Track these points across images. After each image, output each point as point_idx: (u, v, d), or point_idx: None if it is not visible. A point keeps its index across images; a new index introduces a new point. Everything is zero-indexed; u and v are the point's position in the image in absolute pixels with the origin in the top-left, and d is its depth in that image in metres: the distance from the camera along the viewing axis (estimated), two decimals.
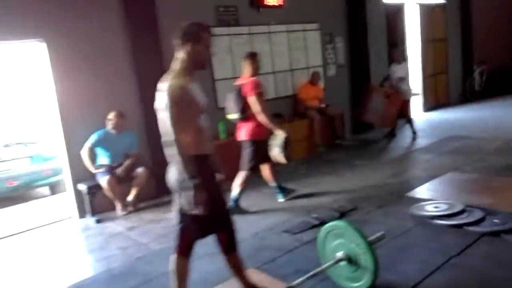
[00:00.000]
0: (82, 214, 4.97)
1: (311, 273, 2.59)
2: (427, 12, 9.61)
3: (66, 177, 5.09)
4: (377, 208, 4.08)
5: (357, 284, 2.54)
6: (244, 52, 4.61)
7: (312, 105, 6.95)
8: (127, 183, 4.98)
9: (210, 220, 2.33)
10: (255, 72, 4.33)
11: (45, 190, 6.91)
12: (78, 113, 4.92)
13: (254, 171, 4.41)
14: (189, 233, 2.41)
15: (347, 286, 2.62)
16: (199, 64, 2.42)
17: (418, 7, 9.42)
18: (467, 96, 10.66)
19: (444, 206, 3.66)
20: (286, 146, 4.07)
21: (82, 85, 4.95)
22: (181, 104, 2.24)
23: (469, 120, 8.37)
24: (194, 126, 2.33)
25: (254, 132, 4.29)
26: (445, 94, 10.34)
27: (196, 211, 2.24)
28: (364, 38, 8.08)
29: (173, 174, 2.33)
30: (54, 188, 6.71)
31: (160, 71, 5.41)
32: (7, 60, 7.00)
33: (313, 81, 7.10)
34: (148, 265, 3.45)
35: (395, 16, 8.99)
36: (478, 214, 3.43)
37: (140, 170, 4.98)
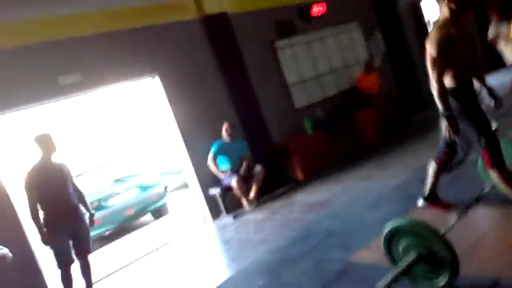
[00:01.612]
0: (215, 216, 5.59)
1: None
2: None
3: (194, 186, 5.71)
4: None
5: None
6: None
7: (374, 91, 7.62)
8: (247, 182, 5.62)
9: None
10: None
11: (148, 217, 7.55)
12: (194, 129, 5.63)
13: None
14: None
15: None
16: (461, 7, 2.75)
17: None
18: None
19: None
20: None
21: (192, 106, 5.68)
22: (439, 48, 2.72)
23: None
24: (453, 63, 2.80)
25: None
26: None
27: (453, 136, 2.85)
28: (397, 29, 8.83)
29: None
30: (160, 212, 7.34)
31: (245, 82, 6.23)
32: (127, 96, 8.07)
33: (368, 70, 7.80)
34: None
35: (417, 6, 9.78)
36: None
37: (257, 168, 5.62)
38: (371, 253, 3.06)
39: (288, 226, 4.43)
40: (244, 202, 5.52)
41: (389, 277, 2.31)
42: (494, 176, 2.84)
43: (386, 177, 4.96)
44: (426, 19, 9.90)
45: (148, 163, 9.45)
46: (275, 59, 6.88)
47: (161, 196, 7.22)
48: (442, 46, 2.75)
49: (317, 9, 7.51)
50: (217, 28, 6.11)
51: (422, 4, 9.89)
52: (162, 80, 5.51)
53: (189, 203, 6.91)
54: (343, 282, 2.88)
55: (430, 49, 2.79)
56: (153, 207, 7.12)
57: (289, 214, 4.79)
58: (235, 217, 5.36)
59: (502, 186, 2.84)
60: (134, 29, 5.35)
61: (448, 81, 2.86)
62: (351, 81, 7.91)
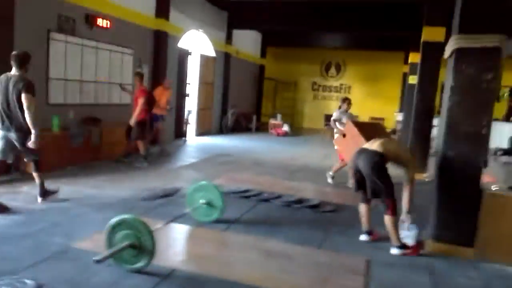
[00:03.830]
0: None
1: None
2: (204, 61, 12.63)
3: None
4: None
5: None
6: None
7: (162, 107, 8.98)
8: None
9: None
10: None
11: None
12: None
13: None
14: None
15: None
16: None
17: (199, 55, 12.34)
18: (222, 129, 14.22)
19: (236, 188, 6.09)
20: None
21: None
22: None
23: (226, 145, 11.56)
24: None
25: None
26: (209, 125, 13.52)
27: None
28: (164, 69, 10.15)
29: None
30: None
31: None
32: None
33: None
34: None
35: (184, 58, 11.51)
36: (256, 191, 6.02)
37: None
38: (90, 243, 3.73)
39: (10, 212, 4.47)
40: None
41: (105, 253, 3.06)
42: (387, 219, 4.02)
43: (116, 189, 5.71)
44: (186, 71, 11.71)
45: None
46: (46, 50, 6.81)
47: None
48: None
49: (103, 22, 7.96)
50: None
51: (188, 58, 11.72)
52: None
53: None
54: (62, 258, 3.39)
55: None
56: None
57: (13, 202, 4.79)
58: None
59: (391, 229, 4.03)
60: None
61: None
62: (110, 97, 8.51)
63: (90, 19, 7.68)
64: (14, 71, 4.61)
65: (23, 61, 4.62)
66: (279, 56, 18.63)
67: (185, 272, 3.36)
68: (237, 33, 14.62)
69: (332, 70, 18.86)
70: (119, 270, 3.23)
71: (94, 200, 5.15)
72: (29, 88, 4.51)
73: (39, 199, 4.92)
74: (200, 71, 12.46)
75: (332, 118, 7.49)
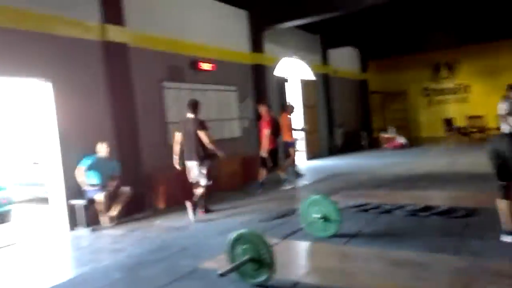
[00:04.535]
0: (72, 227, 5.72)
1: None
2: (304, 85, 12.79)
3: (58, 194, 5.80)
4: None
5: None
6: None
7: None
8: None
9: None
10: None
11: None
12: (73, 139, 5.89)
13: None
14: None
15: None
16: None
17: (299, 80, 12.56)
18: (331, 150, 13.98)
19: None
20: None
21: (77, 118, 5.98)
22: None
23: (339, 165, 11.29)
24: None
25: None
26: (317, 147, 13.43)
27: None
28: (265, 99, 10.51)
29: None
30: (3, 217, 6.94)
31: (130, 109, 6.67)
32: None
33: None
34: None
35: (282, 85, 11.82)
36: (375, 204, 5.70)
37: (125, 189, 6.04)
38: (215, 262, 3.89)
39: (146, 241, 4.96)
40: (105, 218, 5.83)
41: (227, 268, 3.16)
42: None
43: (236, 215, 5.95)
44: (287, 97, 11.95)
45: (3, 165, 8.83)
46: (161, 97, 7.63)
47: (9, 201, 6.90)
48: None
49: (207, 66, 8.66)
50: (115, 55, 6.67)
51: (286, 84, 11.99)
52: (53, 86, 5.73)
53: (40, 214, 6.84)
54: (192, 278, 3.60)
55: None
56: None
57: (147, 233, 5.32)
58: (93, 230, 5.61)
59: None
60: (32, 32, 5.54)
61: None
62: (222, 133, 9.07)
63: (195, 64, 8.43)
64: (188, 115, 6.03)
65: (195, 107, 6.03)
66: (381, 67, 17.92)
67: (309, 285, 3.28)
68: (333, 53, 14.55)
69: (444, 72, 17.42)
70: (243, 285, 3.29)
71: (217, 225, 5.42)
72: (204, 126, 5.93)
73: (200, 213, 6.03)
74: (301, 95, 12.60)
75: (499, 113, 6.55)
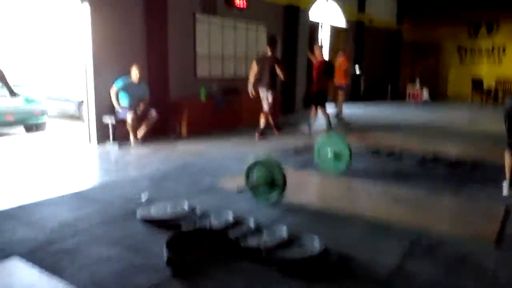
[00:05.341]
0: (101, 141, 6.22)
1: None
2: (334, 32, 12.59)
3: (89, 111, 6.24)
4: None
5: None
6: None
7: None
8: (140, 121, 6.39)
9: None
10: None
11: (20, 130, 7.64)
12: (107, 60, 6.21)
13: None
14: None
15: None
16: None
17: (329, 27, 12.36)
18: (353, 98, 14.00)
19: None
20: None
21: (112, 39, 6.25)
22: None
23: (356, 112, 11.38)
24: None
25: None
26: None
27: None
28: (295, 42, 10.49)
29: None
30: (38, 127, 7.52)
31: (163, 38, 6.89)
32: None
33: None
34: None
35: (314, 31, 11.68)
36: None
37: (152, 113, 6.42)
38: (230, 181, 4.31)
39: (169, 160, 5.40)
40: (132, 138, 6.27)
41: (243, 185, 3.55)
42: None
43: (251, 146, 6.32)
44: (319, 41, 11.87)
45: (38, 79, 9.41)
46: (193, 30, 7.77)
47: (44, 113, 7.44)
48: None
49: (240, 1, 8.64)
50: None
51: (319, 29, 11.85)
52: (90, 7, 5.94)
53: (71, 128, 7.42)
54: (210, 192, 4.04)
55: None
56: (33, 121, 7.30)
57: (171, 154, 5.75)
58: (120, 145, 6.09)
59: None
60: None
61: None
62: (246, 70, 9.22)
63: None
64: (268, 51, 7.07)
65: (274, 46, 7.14)
66: (418, 21, 17.28)
67: (314, 207, 3.65)
68: (370, 1, 14.08)
69: (483, 30, 16.70)
70: (254, 202, 3.69)
71: (233, 153, 5.81)
72: (280, 62, 7.04)
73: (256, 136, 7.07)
74: (330, 42, 12.45)
75: None
